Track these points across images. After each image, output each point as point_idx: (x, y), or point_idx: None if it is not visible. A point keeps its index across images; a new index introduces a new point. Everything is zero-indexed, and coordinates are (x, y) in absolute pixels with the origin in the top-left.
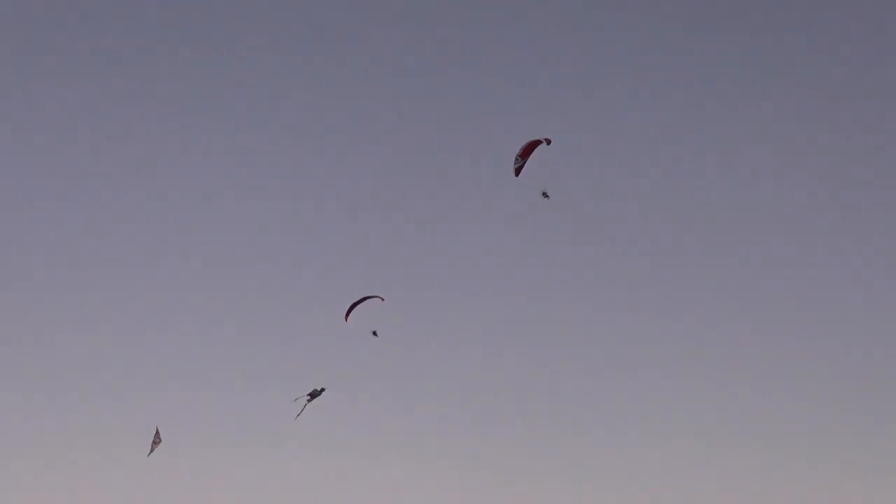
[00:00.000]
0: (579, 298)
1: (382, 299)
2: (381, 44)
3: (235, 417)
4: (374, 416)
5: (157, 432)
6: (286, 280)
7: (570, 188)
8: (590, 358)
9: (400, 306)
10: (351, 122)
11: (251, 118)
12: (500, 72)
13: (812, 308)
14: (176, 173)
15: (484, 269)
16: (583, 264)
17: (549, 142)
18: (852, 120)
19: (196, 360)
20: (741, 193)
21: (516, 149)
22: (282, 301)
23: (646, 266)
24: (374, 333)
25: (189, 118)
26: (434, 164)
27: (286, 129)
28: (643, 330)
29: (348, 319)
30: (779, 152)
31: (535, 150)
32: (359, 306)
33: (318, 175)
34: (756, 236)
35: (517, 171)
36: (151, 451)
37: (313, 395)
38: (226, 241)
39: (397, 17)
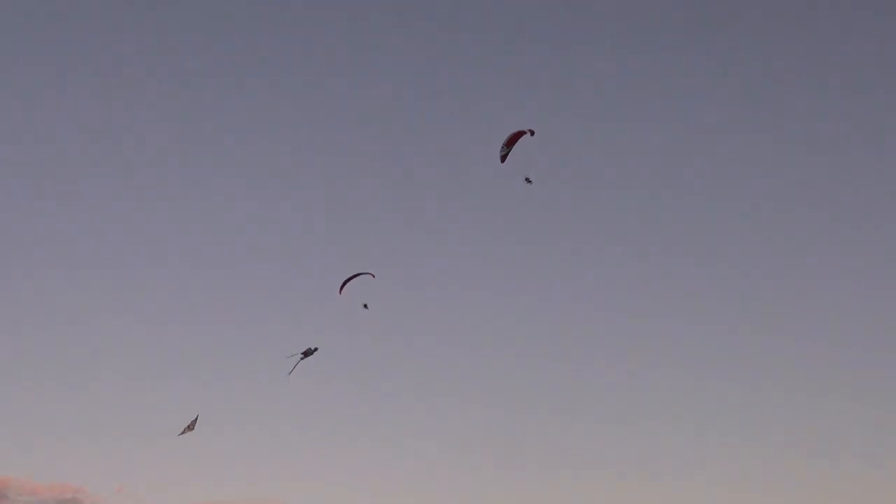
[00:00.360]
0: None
1: (373, 276)
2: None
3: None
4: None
5: (195, 420)
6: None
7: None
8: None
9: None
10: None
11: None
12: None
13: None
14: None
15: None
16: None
17: (532, 133)
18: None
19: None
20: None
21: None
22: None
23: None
24: (365, 306)
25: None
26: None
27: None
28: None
29: (342, 293)
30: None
31: (520, 139)
32: (352, 281)
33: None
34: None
35: (503, 159)
36: (183, 432)
37: (307, 353)
38: (233, 239)
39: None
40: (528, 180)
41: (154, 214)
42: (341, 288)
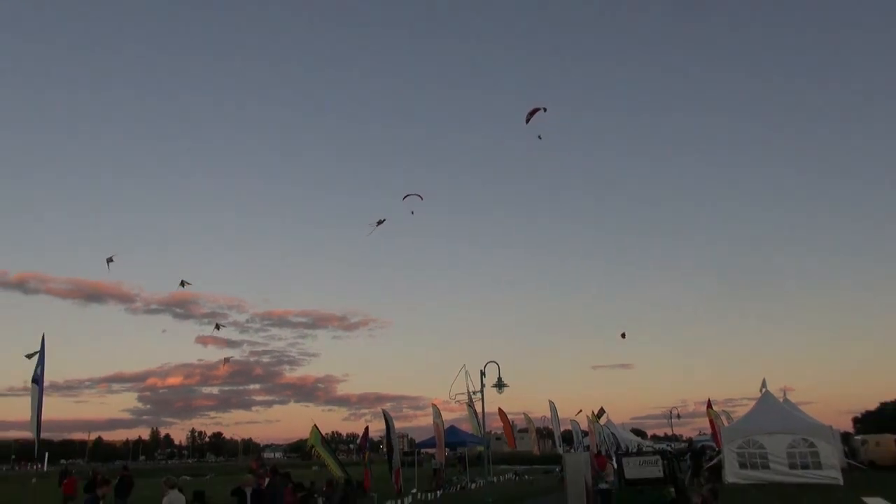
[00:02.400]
0: None
1: (421, 198)
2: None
3: None
4: None
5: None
6: None
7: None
8: None
9: None
10: None
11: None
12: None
13: None
14: None
15: None
16: None
17: (545, 109)
18: None
19: None
20: None
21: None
22: None
23: None
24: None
25: None
26: None
27: None
28: None
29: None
30: None
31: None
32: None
33: None
34: None
35: (527, 121)
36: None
37: (380, 222)
38: None
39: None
40: (539, 137)
41: None
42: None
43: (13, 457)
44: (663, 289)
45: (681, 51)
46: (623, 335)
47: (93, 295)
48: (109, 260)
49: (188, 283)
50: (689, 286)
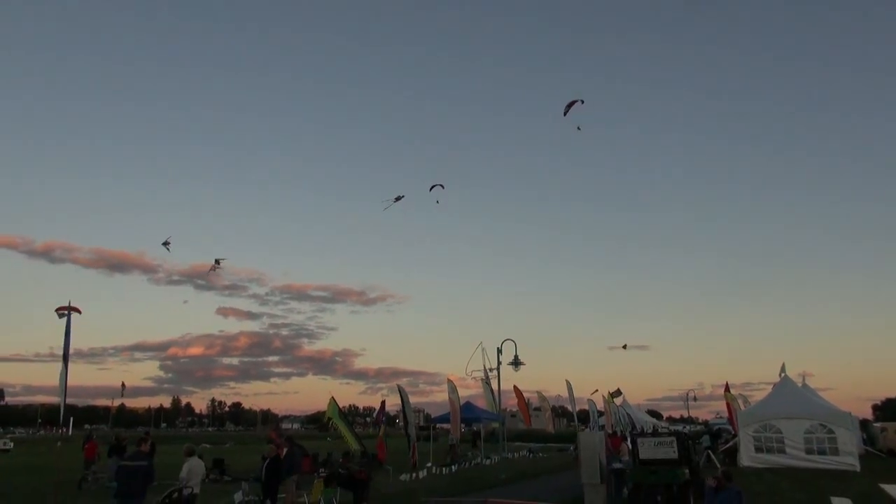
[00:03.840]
0: None
1: (443, 187)
2: None
3: None
4: None
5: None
6: None
7: None
8: None
9: None
10: None
11: None
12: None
13: None
14: None
15: None
16: None
17: (582, 102)
18: None
19: None
20: None
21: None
22: None
23: None
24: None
25: None
26: None
27: None
28: None
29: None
30: None
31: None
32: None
33: None
34: None
35: (564, 113)
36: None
37: (398, 199)
38: None
39: None
40: (578, 128)
41: None
42: (431, 188)
43: (39, 421)
44: (682, 271)
45: None
46: (625, 346)
47: (117, 265)
48: (166, 243)
49: (223, 260)
50: (709, 268)
